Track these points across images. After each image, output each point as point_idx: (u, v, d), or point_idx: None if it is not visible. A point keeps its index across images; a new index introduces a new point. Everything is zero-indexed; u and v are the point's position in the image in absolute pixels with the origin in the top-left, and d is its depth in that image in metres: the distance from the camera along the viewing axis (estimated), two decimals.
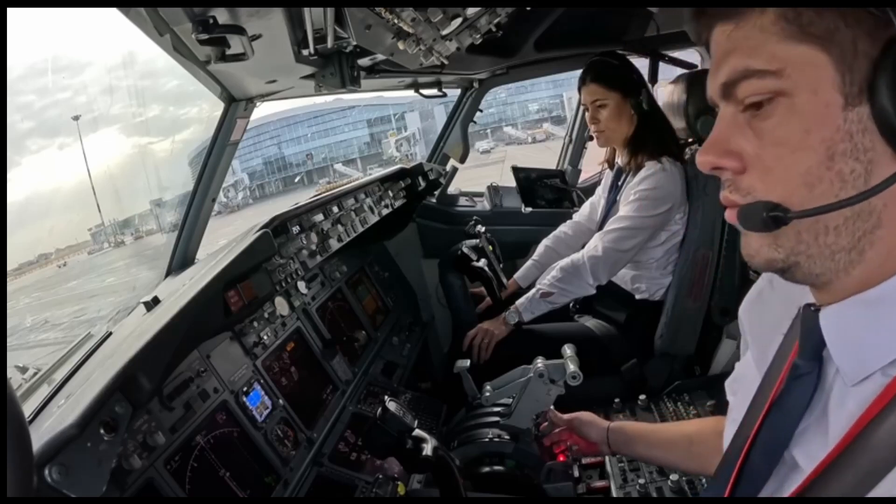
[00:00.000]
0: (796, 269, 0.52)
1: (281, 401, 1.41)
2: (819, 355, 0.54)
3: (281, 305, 1.62)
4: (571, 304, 2.19)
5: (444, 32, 1.35)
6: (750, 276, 2.06)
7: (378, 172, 2.57)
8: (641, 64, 2.23)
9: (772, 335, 0.64)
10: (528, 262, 2.27)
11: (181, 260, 1.80)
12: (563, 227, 2.33)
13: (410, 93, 2.49)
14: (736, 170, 0.53)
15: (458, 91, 2.84)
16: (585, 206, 2.36)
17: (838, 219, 0.49)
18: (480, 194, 3.11)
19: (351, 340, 1.88)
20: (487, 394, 1.51)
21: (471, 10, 1.33)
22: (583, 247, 2.02)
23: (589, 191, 2.66)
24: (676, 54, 2.43)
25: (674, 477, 1.36)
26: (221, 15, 0.98)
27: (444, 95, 2.60)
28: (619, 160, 2.11)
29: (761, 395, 0.61)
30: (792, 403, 0.55)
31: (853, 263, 0.50)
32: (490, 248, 2.17)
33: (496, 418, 1.48)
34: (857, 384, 0.50)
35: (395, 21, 1.18)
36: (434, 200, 2.83)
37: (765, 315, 0.69)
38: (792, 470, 0.55)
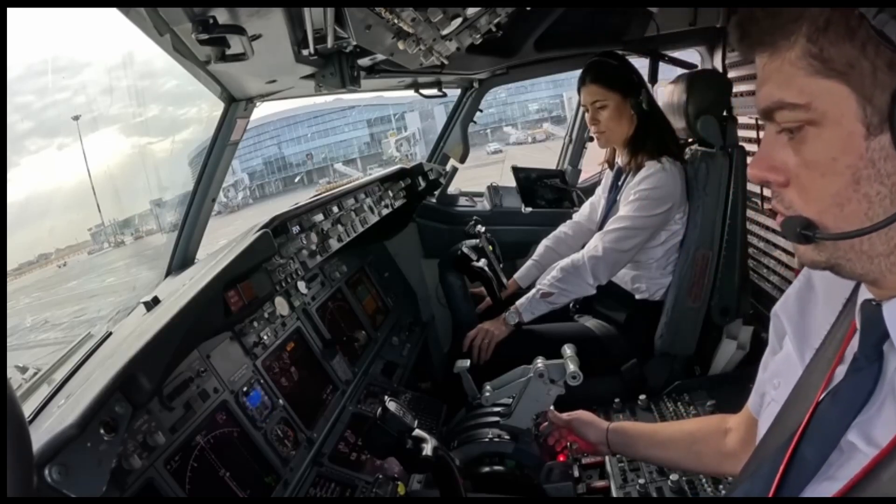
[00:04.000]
0: (839, 268, 0.57)
1: (281, 401, 1.41)
2: (880, 349, 0.56)
3: (281, 305, 1.62)
4: (571, 305, 2.19)
5: (444, 32, 1.35)
6: (750, 277, 2.06)
7: (378, 172, 2.57)
8: (641, 64, 2.23)
9: (814, 332, 0.68)
10: (528, 263, 2.27)
11: (181, 260, 1.80)
12: (563, 228, 2.33)
13: (410, 93, 2.49)
14: (780, 183, 0.58)
15: (458, 91, 2.84)
16: (585, 206, 2.35)
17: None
18: (480, 194, 3.11)
19: (351, 340, 1.88)
20: (487, 394, 1.51)
21: (471, 10, 1.33)
22: (583, 247, 2.02)
23: (589, 191, 2.66)
24: (676, 54, 2.43)
25: (674, 477, 1.36)
26: (221, 15, 0.98)
27: (444, 95, 2.60)
28: (620, 160, 2.11)
29: (805, 388, 0.64)
30: (851, 395, 0.58)
31: (895, 265, 0.54)
32: (490, 248, 2.17)
33: (496, 418, 1.48)
34: None
35: (395, 21, 1.18)
36: (434, 200, 2.83)
37: (807, 313, 0.72)
38: (850, 456, 0.57)
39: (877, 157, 0.51)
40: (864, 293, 0.60)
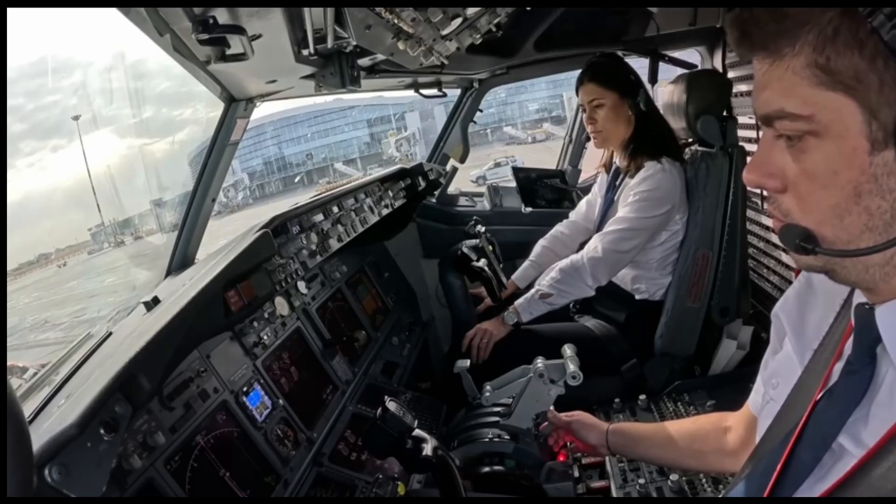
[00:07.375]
0: (834, 274, 0.57)
1: (281, 401, 1.41)
2: (873, 352, 0.57)
3: (281, 305, 1.62)
4: (571, 305, 2.19)
5: (444, 32, 1.35)
6: (750, 277, 2.06)
7: (378, 172, 2.57)
8: (641, 64, 2.23)
9: (814, 332, 0.68)
10: (526, 263, 2.27)
11: (181, 260, 1.79)
12: (560, 227, 2.33)
13: (410, 93, 2.49)
14: (777, 189, 0.57)
15: (458, 91, 2.84)
16: (582, 205, 2.35)
17: (867, 244, 0.52)
18: (480, 194, 3.11)
19: (351, 340, 1.88)
20: (487, 394, 1.51)
21: (471, 10, 1.33)
22: (580, 245, 2.01)
23: (589, 191, 2.66)
24: (676, 54, 2.43)
25: (674, 477, 1.36)
26: (221, 15, 0.98)
27: (444, 95, 2.60)
28: (617, 162, 2.10)
29: (804, 388, 0.64)
30: (845, 397, 0.58)
31: (889, 275, 0.54)
32: (490, 248, 2.17)
33: (496, 418, 1.48)
34: None
35: (395, 21, 1.18)
36: (434, 200, 2.83)
37: (806, 314, 0.72)
38: (839, 458, 0.57)
39: (879, 173, 0.50)
40: (859, 296, 0.60)
